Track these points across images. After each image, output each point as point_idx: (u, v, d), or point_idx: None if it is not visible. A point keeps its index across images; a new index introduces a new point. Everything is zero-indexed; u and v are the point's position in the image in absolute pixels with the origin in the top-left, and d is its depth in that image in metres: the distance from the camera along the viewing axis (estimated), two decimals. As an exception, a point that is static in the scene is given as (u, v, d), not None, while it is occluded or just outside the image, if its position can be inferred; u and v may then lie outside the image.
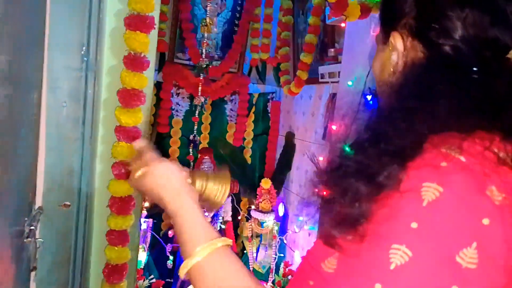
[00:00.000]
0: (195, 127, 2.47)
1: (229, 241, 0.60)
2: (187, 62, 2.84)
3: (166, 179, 0.66)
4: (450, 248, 0.42)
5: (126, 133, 1.32)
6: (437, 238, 0.42)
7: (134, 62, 1.31)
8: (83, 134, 1.09)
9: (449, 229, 0.42)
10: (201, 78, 2.21)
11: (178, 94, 2.95)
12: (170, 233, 2.80)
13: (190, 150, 2.58)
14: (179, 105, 2.94)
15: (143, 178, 0.67)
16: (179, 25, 2.78)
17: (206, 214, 2.94)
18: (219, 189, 0.72)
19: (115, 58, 1.34)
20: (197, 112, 2.40)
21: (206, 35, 2.07)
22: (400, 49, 0.60)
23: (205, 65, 2.09)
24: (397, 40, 0.60)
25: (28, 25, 0.89)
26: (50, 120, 1.05)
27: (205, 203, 0.72)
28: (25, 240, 0.87)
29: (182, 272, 0.59)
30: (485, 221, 0.42)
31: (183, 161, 2.81)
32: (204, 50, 2.19)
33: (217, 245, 0.58)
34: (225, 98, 3.09)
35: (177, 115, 2.94)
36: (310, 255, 0.54)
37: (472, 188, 0.43)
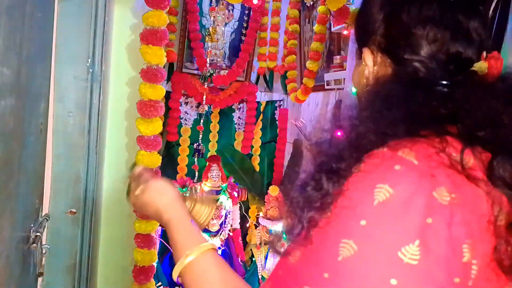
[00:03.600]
0: (200, 135, 2.49)
1: (215, 246, 0.68)
2: (196, 72, 2.88)
3: (162, 193, 0.77)
4: (393, 244, 0.45)
5: (146, 142, 1.38)
6: (382, 235, 0.45)
7: (151, 74, 1.36)
8: (88, 142, 1.12)
9: (394, 227, 0.46)
10: (205, 87, 2.23)
11: (186, 103, 2.99)
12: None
13: (195, 159, 2.59)
14: (188, 114, 2.98)
15: (142, 194, 0.77)
16: (187, 36, 2.83)
17: (215, 221, 2.95)
18: (205, 211, 0.82)
19: (120, 70, 1.38)
20: (201, 120, 2.42)
21: (210, 44, 2.10)
22: (370, 64, 0.64)
23: (209, 74, 2.12)
24: (367, 56, 0.64)
25: (37, 38, 0.93)
26: (57, 128, 1.09)
27: (193, 220, 0.81)
28: (31, 246, 0.89)
29: (175, 275, 0.66)
30: (429, 220, 0.45)
31: (190, 170, 2.85)
32: (208, 59, 2.22)
33: (204, 249, 0.65)
34: (233, 107, 3.12)
35: (185, 124, 2.98)
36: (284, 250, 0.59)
37: (420, 189, 0.46)
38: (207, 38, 2.05)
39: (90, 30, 1.10)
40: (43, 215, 1.07)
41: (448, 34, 0.58)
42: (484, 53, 0.60)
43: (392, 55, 0.61)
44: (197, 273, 0.64)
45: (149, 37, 1.33)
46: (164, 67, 2.84)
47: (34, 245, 0.89)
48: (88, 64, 1.11)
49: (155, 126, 1.40)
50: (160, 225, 2.64)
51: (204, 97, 2.31)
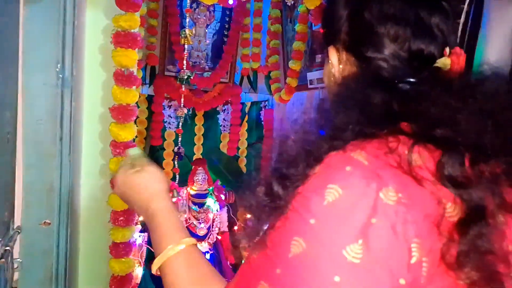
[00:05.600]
0: (179, 138, 2.44)
1: (194, 241, 0.67)
2: (182, 71, 2.85)
3: (157, 180, 0.73)
4: (339, 243, 0.46)
5: (121, 148, 1.34)
6: (329, 234, 0.47)
7: (123, 78, 1.32)
8: (61, 151, 1.09)
9: (340, 226, 0.47)
10: (183, 90, 2.19)
11: (170, 107, 2.95)
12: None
13: (175, 162, 2.55)
14: (171, 117, 2.95)
15: (137, 174, 0.72)
16: (168, 38, 2.79)
17: (202, 225, 2.92)
18: None
19: (94, 74, 1.35)
20: (180, 123, 2.39)
21: (186, 46, 2.07)
22: (335, 63, 0.65)
23: (186, 76, 2.08)
24: (332, 55, 0.65)
25: (1, 45, 0.89)
26: (27, 137, 1.05)
27: None
28: (0, 261, 0.86)
29: (154, 269, 0.65)
30: (373, 220, 0.46)
31: (175, 174, 2.80)
32: (191, 62, 2.18)
33: (188, 243, 0.65)
34: (218, 108, 3.09)
35: (169, 128, 2.94)
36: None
37: (367, 190, 0.47)
38: (183, 40, 2.01)
39: (58, 34, 1.06)
40: (14, 227, 1.03)
41: (409, 31, 0.58)
42: (447, 49, 0.60)
43: (356, 53, 0.62)
44: (177, 268, 0.64)
45: (120, 40, 1.30)
46: (145, 70, 2.86)
47: (3, 260, 0.85)
48: (57, 70, 1.07)
49: (129, 132, 1.36)
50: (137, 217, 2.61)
51: (182, 99, 2.26)
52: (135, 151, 0.80)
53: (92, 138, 1.34)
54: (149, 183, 0.71)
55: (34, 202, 1.06)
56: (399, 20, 0.58)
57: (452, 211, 0.47)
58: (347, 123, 0.51)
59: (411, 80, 0.55)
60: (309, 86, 2.48)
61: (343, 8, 0.64)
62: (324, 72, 0.70)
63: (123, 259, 1.38)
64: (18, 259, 1.00)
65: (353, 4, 0.63)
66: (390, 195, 0.46)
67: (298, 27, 2.42)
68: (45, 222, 1.09)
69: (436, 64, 0.58)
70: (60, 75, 1.07)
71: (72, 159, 1.15)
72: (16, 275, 1.01)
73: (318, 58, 2.37)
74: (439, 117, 0.51)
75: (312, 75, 2.43)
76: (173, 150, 2.74)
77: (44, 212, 1.09)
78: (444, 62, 0.59)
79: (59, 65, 1.07)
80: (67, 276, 1.13)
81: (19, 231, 1.01)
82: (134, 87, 1.38)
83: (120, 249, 1.37)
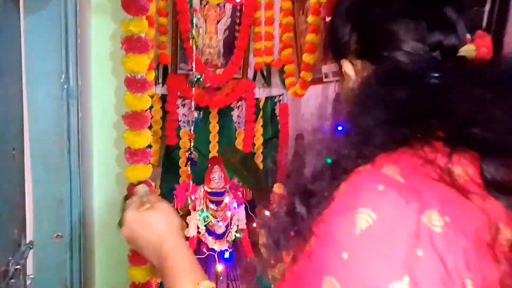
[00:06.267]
0: (192, 143, 2.39)
1: (212, 285, 0.62)
2: (191, 73, 2.82)
3: (170, 218, 0.68)
4: (379, 282, 0.39)
5: (135, 155, 1.32)
6: (366, 271, 0.40)
7: (135, 83, 1.29)
8: (69, 163, 1.07)
9: (379, 261, 0.39)
10: (193, 93, 2.14)
11: (184, 105, 2.93)
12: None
13: (188, 168, 2.49)
14: (186, 116, 2.92)
15: (148, 212, 0.68)
16: (179, 37, 2.75)
17: (220, 224, 2.90)
18: None
19: (103, 81, 1.32)
20: (191, 128, 2.32)
21: (195, 48, 2.01)
22: (352, 73, 0.61)
23: (196, 79, 2.03)
24: (347, 67, 0.61)
25: (3, 58, 0.86)
26: (34, 152, 1.03)
27: None
28: (10, 281, 0.84)
29: None
30: (419, 252, 0.38)
31: (192, 173, 2.78)
32: (193, 64, 2.12)
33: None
34: (232, 105, 3.05)
35: (184, 126, 2.92)
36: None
37: (407, 214, 0.40)
38: (191, 41, 1.96)
39: (61, 44, 1.03)
40: (27, 242, 1.02)
41: (424, 24, 0.53)
42: (468, 36, 0.56)
43: (371, 57, 0.58)
44: None
45: (131, 45, 1.27)
46: (158, 70, 2.83)
47: (13, 280, 0.84)
48: (62, 81, 1.05)
49: (144, 138, 1.33)
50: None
51: (193, 103, 2.21)
52: (144, 188, 0.76)
53: (104, 147, 1.32)
54: (163, 221, 0.67)
55: (45, 216, 1.05)
56: (410, 14, 0.54)
57: (505, 229, 0.41)
58: (374, 126, 0.46)
59: (436, 73, 0.49)
60: (324, 80, 2.40)
61: (345, 20, 0.61)
62: (342, 92, 0.66)
63: (143, 267, 1.36)
64: (31, 275, 0.99)
65: (354, 12, 0.60)
66: (434, 219, 0.39)
67: (310, 18, 2.33)
68: (57, 235, 1.07)
69: (459, 53, 0.54)
70: (65, 86, 1.05)
71: (82, 170, 1.13)
72: (30, 291, 1.00)
73: (333, 50, 2.29)
74: (473, 114, 0.44)
75: (327, 68, 2.35)
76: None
77: (56, 225, 1.07)
78: (467, 49, 0.54)
79: (63, 76, 1.04)
80: (82, 288, 1.12)
81: (31, 246, 1.00)
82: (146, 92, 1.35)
83: (140, 257, 1.35)
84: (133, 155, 1.31)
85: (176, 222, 0.69)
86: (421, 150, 0.44)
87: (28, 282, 0.96)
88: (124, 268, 1.37)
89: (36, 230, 1.05)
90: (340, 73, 0.66)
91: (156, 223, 0.66)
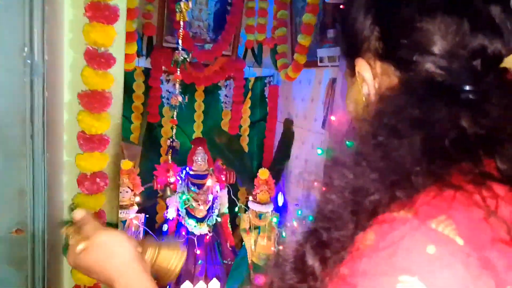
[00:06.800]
0: (174, 130, 2.23)
1: None
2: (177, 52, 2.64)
3: (112, 252, 0.58)
4: None
5: (90, 142, 1.16)
6: None
7: (97, 58, 1.13)
8: (32, 149, 0.94)
9: None
10: (178, 74, 1.99)
11: (168, 81, 2.77)
12: (165, 226, 2.70)
13: (169, 157, 2.34)
14: (170, 92, 2.77)
15: (85, 254, 0.57)
16: (167, 6, 2.56)
17: (201, 207, 2.82)
18: (173, 257, 0.65)
19: (76, 56, 1.16)
20: (174, 113, 2.13)
21: (182, 22, 1.84)
22: (369, 77, 0.49)
23: (182, 59, 1.87)
24: (363, 69, 0.49)
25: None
26: (-9, 135, 0.90)
27: (158, 273, 0.64)
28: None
29: None
30: None
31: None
32: (180, 41, 1.94)
33: None
34: (219, 84, 2.90)
35: (168, 103, 2.77)
36: None
37: None
38: (178, 16, 1.79)
39: (24, 12, 0.88)
40: (-20, 238, 0.90)
41: (466, 23, 0.42)
42: None
43: (396, 60, 0.46)
44: None
45: (97, 13, 1.10)
46: (142, 41, 2.65)
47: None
48: (24, 54, 0.90)
49: (104, 122, 1.17)
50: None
51: (178, 85, 2.04)
52: (79, 214, 0.63)
53: (75, 131, 1.17)
54: (102, 262, 0.57)
55: (3, 209, 0.92)
56: (449, 10, 0.44)
57: None
58: (412, 162, 0.36)
59: (475, 87, 0.40)
60: (319, 64, 2.28)
61: (366, 10, 0.48)
62: (349, 96, 0.54)
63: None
64: (-16, 276, 0.88)
65: (378, 2, 0.48)
66: None
67: (309, -3, 2.18)
68: (17, 230, 0.95)
69: (503, 64, 0.44)
70: (28, 61, 0.90)
71: (48, 158, 1.00)
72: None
73: (330, 33, 2.15)
74: None
75: (322, 52, 2.22)
76: (167, 145, 2.48)
77: (15, 219, 0.95)
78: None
79: (26, 49, 0.89)
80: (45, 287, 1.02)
81: (-15, 243, 0.88)
82: (110, 69, 1.18)
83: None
84: (88, 141, 1.15)
85: (122, 255, 0.58)
86: (477, 194, 0.34)
87: (-20, 284, 0.85)
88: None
89: (-7, 224, 0.93)
90: (349, 73, 0.54)
91: (98, 266, 0.57)
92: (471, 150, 0.37)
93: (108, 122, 1.17)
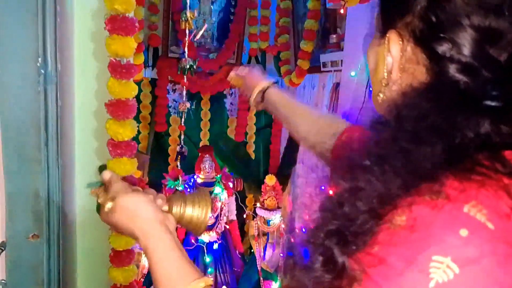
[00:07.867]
0: (182, 136, 2.26)
1: (210, 281, 0.56)
2: (183, 59, 2.68)
3: (135, 212, 0.61)
4: None
5: (118, 148, 1.21)
6: None
7: (121, 69, 1.17)
8: (47, 155, 0.96)
9: None
10: (185, 81, 2.02)
11: (174, 91, 2.81)
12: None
13: (178, 163, 2.37)
14: (176, 102, 2.80)
15: (112, 213, 0.61)
16: (171, 17, 2.61)
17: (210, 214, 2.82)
18: (200, 209, 0.66)
19: (86, 65, 1.20)
20: (182, 120, 2.17)
21: (187, 31, 1.88)
22: (396, 54, 0.47)
23: (188, 66, 1.91)
24: (393, 42, 0.47)
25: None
26: (7, 142, 0.93)
27: (189, 226, 0.67)
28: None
29: None
30: None
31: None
32: (186, 49, 1.98)
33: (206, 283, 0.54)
34: (224, 92, 2.94)
35: (174, 112, 2.80)
36: None
37: (500, 274, 0.31)
38: (183, 24, 1.83)
39: (37, 24, 0.91)
40: (-2, 243, 0.93)
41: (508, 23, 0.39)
42: None
43: (430, 49, 0.43)
44: None
45: (116, 25, 1.14)
46: (148, 52, 2.70)
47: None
48: (38, 64, 0.94)
49: (129, 129, 1.22)
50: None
51: (185, 92, 2.07)
52: (107, 175, 0.67)
53: (86, 138, 1.21)
54: (126, 222, 0.60)
55: (19, 214, 0.95)
56: (500, 12, 0.41)
57: None
58: (432, 164, 0.37)
59: (499, 93, 0.39)
60: (322, 69, 2.30)
61: None
62: (370, 53, 0.52)
63: (125, 267, 1.27)
64: (3, 280, 0.90)
65: None
66: None
67: (310, 4, 2.22)
68: (33, 235, 0.98)
69: None
70: (42, 71, 0.94)
71: (61, 164, 1.03)
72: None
73: (332, 38, 2.18)
74: None
75: (325, 57, 2.25)
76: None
77: (31, 224, 0.98)
78: None
79: (39, 59, 0.93)
80: (60, 291, 1.04)
81: (3, 248, 0.91)
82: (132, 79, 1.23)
83: (122, 257, 1.26)
84: (117, 147, 1.20)
85: (144, 216, 0.61)
86: (502, 181, 0.35)
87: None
88: (107, 267, 1.29)
89: (9, 230, 0.95)
90: (380, 29, 0.50)
91: (122, 225, 0.61)
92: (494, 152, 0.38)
93: (133, 129, 1.21)
